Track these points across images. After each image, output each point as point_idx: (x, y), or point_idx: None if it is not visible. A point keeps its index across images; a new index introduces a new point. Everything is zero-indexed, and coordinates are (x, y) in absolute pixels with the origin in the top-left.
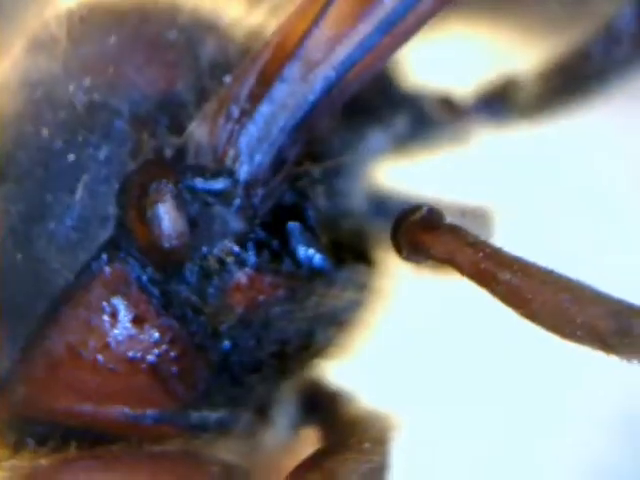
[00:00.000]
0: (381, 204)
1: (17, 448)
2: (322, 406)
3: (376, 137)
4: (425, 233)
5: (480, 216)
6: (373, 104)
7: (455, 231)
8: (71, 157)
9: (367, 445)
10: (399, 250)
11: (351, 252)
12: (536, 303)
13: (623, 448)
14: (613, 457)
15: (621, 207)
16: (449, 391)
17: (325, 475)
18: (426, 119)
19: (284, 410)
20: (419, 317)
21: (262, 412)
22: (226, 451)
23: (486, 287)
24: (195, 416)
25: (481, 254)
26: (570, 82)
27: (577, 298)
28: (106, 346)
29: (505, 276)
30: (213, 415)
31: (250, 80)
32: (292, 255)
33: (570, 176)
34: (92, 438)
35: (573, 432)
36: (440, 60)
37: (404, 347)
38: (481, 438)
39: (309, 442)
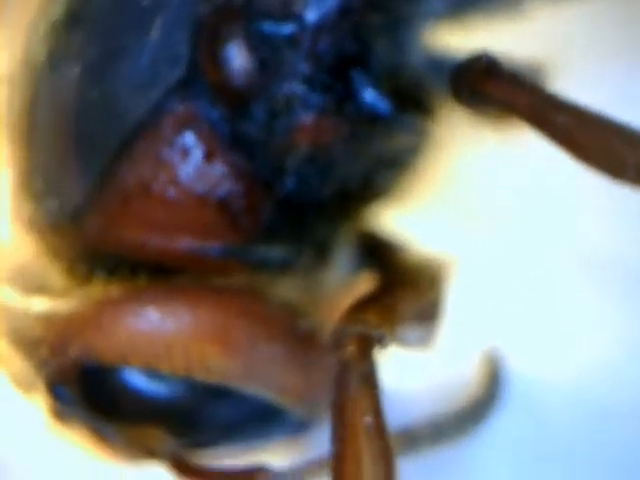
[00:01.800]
0: (439, 59)
1: (87, 279)
2: (380, 251)
3: None
4: (486, 80)
5: (535, 69)
6: None
7: (514, 77)
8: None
9: (423, 284)
10: (459, 97)
11: (411, 100)
12: (590, 145)
13: None
14: None
15: None
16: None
17: (382, 310)
18: None
19: (344, 252)
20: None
21: (322, 252)
22: (287, 289)
23: (543, 130)
24: (258, 251)
25: (539, 98)
26: None
27: (629, 140)
28: (176, 180)
29: (562, 119)
30: (275, 251)
31: None
32: (355, 99)
33: None
34: (160, 271)
35: None
36: None
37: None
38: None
39: (367, 285)
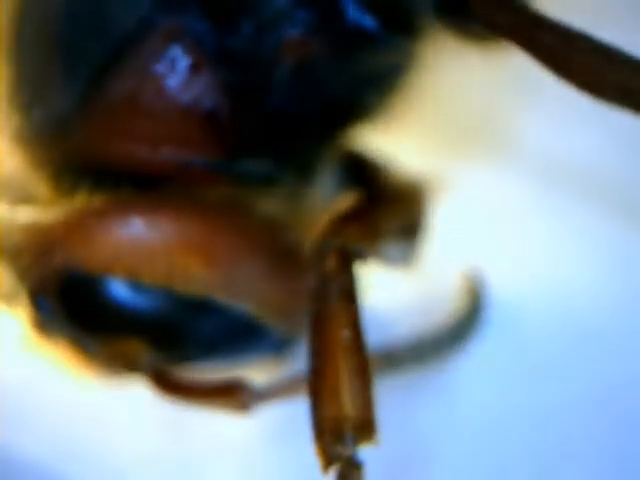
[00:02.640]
0: None
1: (72, 190)
2: (364, 172)
3: None
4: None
5: None
6: None
7: None
8: None
9: (405, 202)
10: (444, 17)
11: (396, 19)
12: (573, 63)
13: None
14: None
15: None
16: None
17: (363, 226)
18: None
19: (327, 171)
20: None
21: (306, 170)
22: (270, 205)
23: (527, 49)
24: (242, 165)
25: (524, 17)
26: None
27: (612, 59)
28: (162, 92)
29: (546, 38)
30: (259, 166)
31: None
32: (341, 15)
33: None
34: (144, 183)
35: None
36: None
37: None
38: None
39: (350, 203)
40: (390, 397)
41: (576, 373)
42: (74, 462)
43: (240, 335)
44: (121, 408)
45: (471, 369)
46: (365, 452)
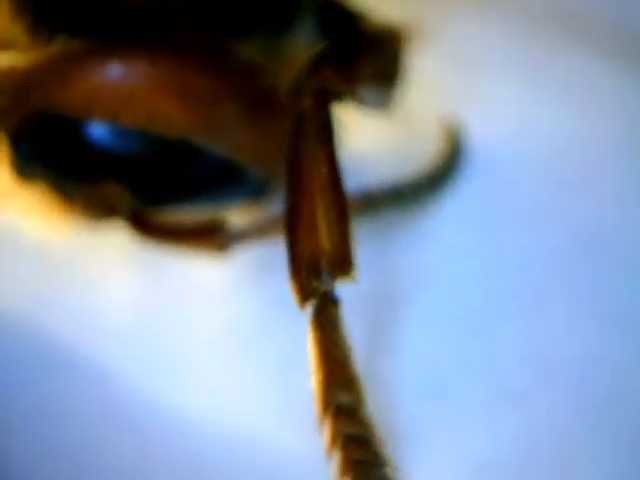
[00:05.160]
0: None
1: (51, 38)
2: (344, 21)
3: None
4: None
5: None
6: None
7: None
8: None
9: (383, 47)
10: None
11: None
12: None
13: None
14: None
15: None
16: None
17: (341, 66)
18: None
19: (307, 21)
20: None
21: (285, 19)
22: (249, 51)
23: None
24: (221, 11)
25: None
26: None
27: None
28: None
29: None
30: (236, 12)
31: None
32: None
33: None
34: (123, 29)
35: None
36: None
37: None
38: None
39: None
40: (368, 241)
41: (555, 219)
42: (53, 310)
43: (218, 179)
44: (101, 254)
45: (450, 215)
46: (342, 292)
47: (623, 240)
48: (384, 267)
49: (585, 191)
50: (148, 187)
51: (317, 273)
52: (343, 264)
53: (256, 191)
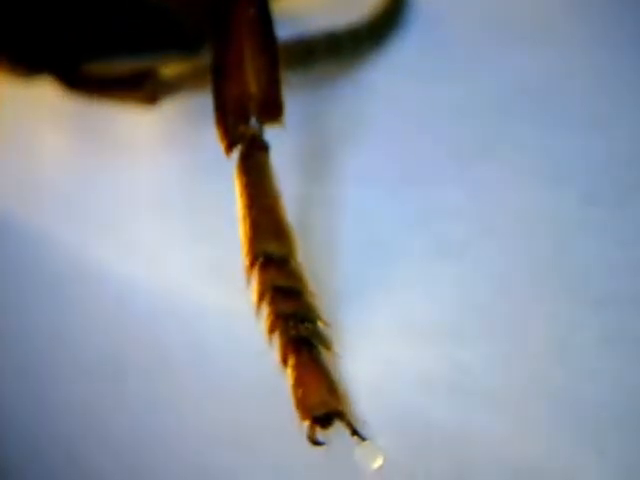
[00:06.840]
0: None
1: None
2: None
3: None
4: None
5: None
6: None
7: None
8: None
9: None
10: None
11: None
12: None
13: None
14: None
15: None
16: None
17: None
18: None
19: None
20: None
21: None
22: None
23: None
24: None
25: None
26: None
27: None
28: None
29: None
30: None
31: None
32: None
33: None
34: None
35: None
36: None
37: None
38: None
39: None
40: (307, 90)
41: (493, 72)
42: None
43: (152, 30)
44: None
45: (390, 66)
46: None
47: (565, 89)
48: (320, 118)
49: (526, 45)
50: (85, 37)
51: (244, 118)
52: (271, 109)
53: (187, 44)
